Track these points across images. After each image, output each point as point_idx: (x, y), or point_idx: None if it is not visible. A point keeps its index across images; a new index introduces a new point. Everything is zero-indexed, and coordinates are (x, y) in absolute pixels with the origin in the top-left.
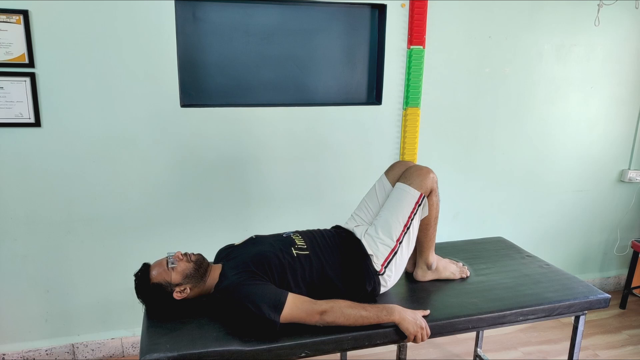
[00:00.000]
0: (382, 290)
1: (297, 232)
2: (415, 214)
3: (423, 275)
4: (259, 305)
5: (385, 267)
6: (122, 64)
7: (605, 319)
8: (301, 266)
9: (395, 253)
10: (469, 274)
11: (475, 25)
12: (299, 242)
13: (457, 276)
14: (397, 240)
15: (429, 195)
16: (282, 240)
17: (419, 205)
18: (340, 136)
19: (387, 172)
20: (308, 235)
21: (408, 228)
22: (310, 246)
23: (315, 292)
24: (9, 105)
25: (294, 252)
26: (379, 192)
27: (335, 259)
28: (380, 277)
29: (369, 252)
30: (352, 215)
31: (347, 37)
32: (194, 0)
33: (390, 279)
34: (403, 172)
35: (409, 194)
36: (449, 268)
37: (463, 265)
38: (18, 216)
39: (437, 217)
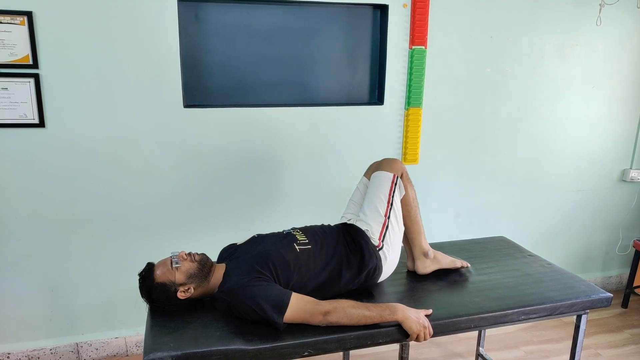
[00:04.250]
0: (385, 268)
1: (296, 228)
2: (394, 192)
3: (424, 266)
4: (263, 307)
5: (382, 241)
6: (125, 65)
7: (607, 318)
8: (305, 260)
9: (387, 227)
10: (468, 265)
11: (477, 25)
12: (300, 237)
13: (458, 264)
14: (385, 215)
15: (401, 176)
16: (284, 237)
17: (395, 184)
18: (342, 136)
19: (365, 174)
20: (307, 229)
21: (392, 204)
22: (311, 239)
23: (321, 284)
24: (13, 106)
25: (296, 247)
26: (361, 189)
27: (337, 246)
28: (380, 251)
29: (364, 228)
30: (342, 216)
31: (349, 38)
32: (196, 1)
33: (389, 253)
34: (376, 166)
35: (384, 176)
36: (448, 257)
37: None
38: (22, 216)
39: (415, 199)
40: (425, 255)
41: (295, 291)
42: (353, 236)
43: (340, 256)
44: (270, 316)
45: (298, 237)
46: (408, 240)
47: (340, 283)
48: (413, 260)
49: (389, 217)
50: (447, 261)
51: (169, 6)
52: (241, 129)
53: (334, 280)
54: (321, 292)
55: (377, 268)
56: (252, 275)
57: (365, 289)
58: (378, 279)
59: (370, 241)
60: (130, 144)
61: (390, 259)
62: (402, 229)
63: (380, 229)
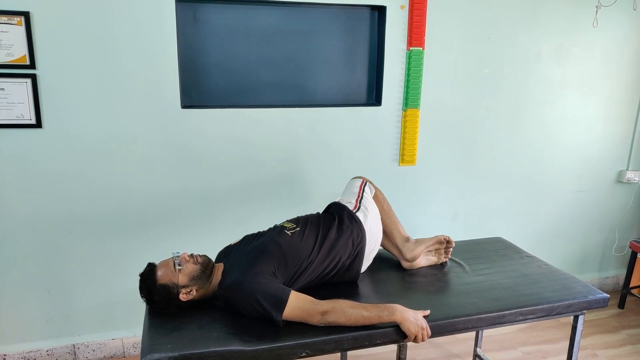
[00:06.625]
0: (367, 229)
1: (283, 221)
2: (364, 186)
3: (410, 249)
4: (262, 304)
5: (360, 203)
6: (123, 65)
7: (604, 318)
8: (299, 242)
9: (361, 199)
10: (450, 239)
11: (474, 26)
12: (288, 224)
13: (441, 238)
14: (359, 192)
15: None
16: (274, 229)
17: (365, 183)
18: (340, 137)
19: None
20: (292, 219)
21: (364, 190)
22: (298, 224)
23: (318, 261)
24: (10, 107)
25: (288, 233)
26: None
27: (320, 221)
28: (358, 212)
29: (339, 199)
30: None
31: (347, 39)
32: (194, 2)
33: (368, 211)
34: None
35: (355, 180)
36: (428, 237)
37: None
38: (19, 217)
39: (385, 198)
40: (407, 240)
41: (297, 277)
42: (331, 209)
43: (325, 226)
44: (269, 313)
45: (286, 225)
46: (389, 237)
47: (334, 251)
48: (402, 255)
49: (361, 193)
50: (429, 239)
51: (167, 6)
52: (239, 130)
53: (328, 253)
54: (321, 267)
55: (361, 230)
56: (250, 272)
57: (357, 261)
58: (365, 245)
59: (347, 206)
60: (128, 144)
61: (370, 219)
62: (375, 209)
63: (355, 198)
